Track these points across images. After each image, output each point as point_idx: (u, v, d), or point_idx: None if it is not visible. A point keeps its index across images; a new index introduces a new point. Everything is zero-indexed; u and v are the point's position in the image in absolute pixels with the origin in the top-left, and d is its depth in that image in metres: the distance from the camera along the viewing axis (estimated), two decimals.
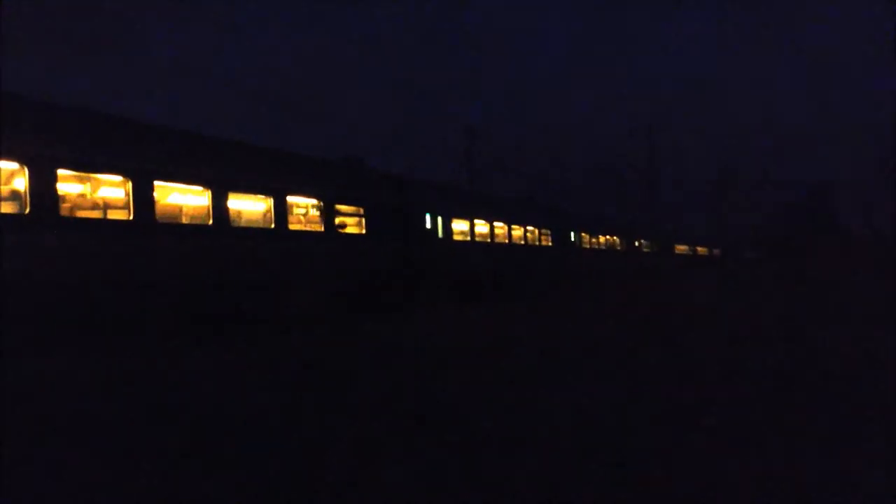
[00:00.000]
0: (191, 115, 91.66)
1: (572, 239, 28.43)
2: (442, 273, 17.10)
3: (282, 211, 12.08)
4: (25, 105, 8.63)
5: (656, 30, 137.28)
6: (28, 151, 8.19)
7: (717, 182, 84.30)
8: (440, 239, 17.71)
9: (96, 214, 9.57)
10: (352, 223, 14.34)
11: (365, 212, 14.54)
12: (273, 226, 11.93)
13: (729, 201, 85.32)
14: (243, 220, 12.05)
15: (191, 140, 11.55)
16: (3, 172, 8.41)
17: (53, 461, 4.32)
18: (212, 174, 10.73)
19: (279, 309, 11.61)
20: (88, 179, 9.46)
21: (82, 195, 9.52)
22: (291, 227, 12.75)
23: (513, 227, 22.68)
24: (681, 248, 55.48)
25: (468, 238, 19.44)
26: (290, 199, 12.60)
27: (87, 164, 9.08)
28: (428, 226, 17.19)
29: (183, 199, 10.81)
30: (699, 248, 65.04)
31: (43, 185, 8.31)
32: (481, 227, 20.25)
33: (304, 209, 13.57)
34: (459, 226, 19.10)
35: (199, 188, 10.67)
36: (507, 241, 22.18)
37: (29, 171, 8.19)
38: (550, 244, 26.16)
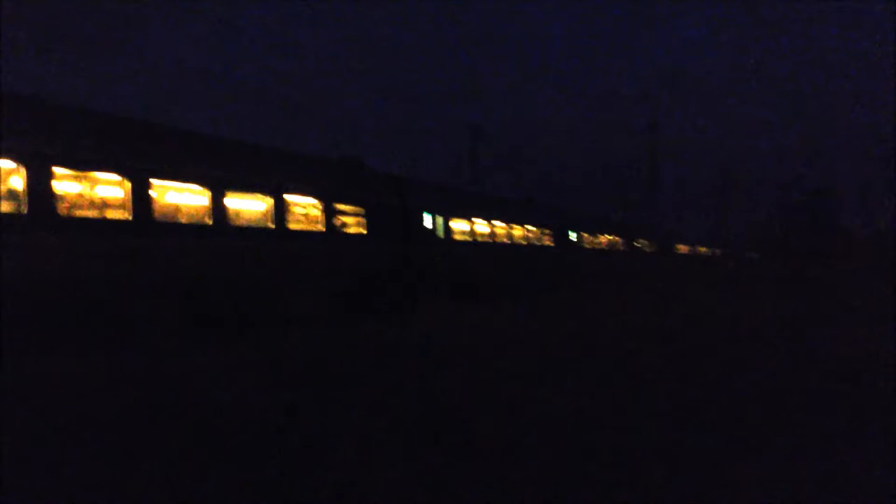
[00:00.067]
0: (190, 114, 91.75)
1: (573, 239, 28.41)
2: (442, 273, 17.09)
3: (281, 210, 12.07)
4: (24, 104, 8.62)
5: (657, 29, 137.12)
6: (26, 150, 8.16)
7: (718, 182, 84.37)
8: (440, 239, 17.69)
9: (94, 213, 9.55)
10: (352, 223, 14.32)
11: (365, 212, 14.52)
12: (272, 225, 11.92)
13: (730, 201, 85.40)
14: (242, 219, 12.03)
15: (190, 139, 11.54)
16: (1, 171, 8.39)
17: (54, 462, 4.31)
18: (211, 173, 10.72)
19: (278, 309, 11.60)
20: (86, 178, 9.44)
21: (80, 194, 9.50)
22: (291, 226, 12.73)
23: (513, 227, 22.66)
24: (682, 249, 55.49)
25: (468, 238, 19.43)
26: (290, 198, 12.58)
27: (86, 163, 9.06)
28: (428, 226, 17.17)
29: (181, 198, 10.79)
30: (700, 248, 65.05)
31: (41, 184, 8.29)
32: (481, 227, 20.24)
33: (303, 209, 13.55)
34: (460, 226, 19.09)
35: (198, 187, 10.65)
36: (507, 241, 22.16)
37: (27, 169, 8.17)
38: (551, 244, 26.15)
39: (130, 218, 9.39)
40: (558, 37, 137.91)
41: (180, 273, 9.94)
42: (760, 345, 9.05)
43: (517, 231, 23.22)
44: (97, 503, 3.73)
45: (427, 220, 17.12)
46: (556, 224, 26.77)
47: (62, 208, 8.85)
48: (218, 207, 10.71)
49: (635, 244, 39.16)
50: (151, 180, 9.68)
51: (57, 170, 8.60)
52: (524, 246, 23.85)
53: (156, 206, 9.84)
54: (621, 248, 36.57)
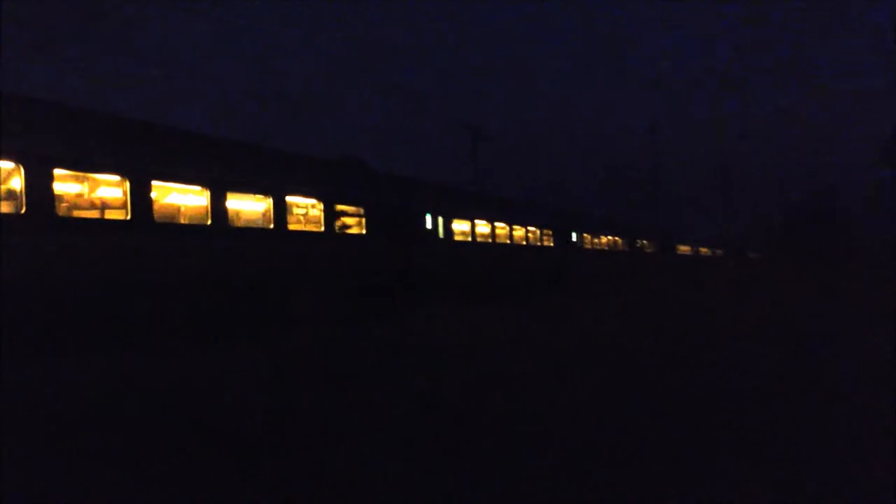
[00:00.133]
0: (189, 114, 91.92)
1: (574, 239, 28.39)
2: (443, 273, 17.05)
3: (281, 211, 12.04)
4: (22, 103, 8.59)
5: (657, 30, 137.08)
6: (24, 149, 8.12)
7: (720, 182, 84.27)
8: (441, 239, 17.67)
9: (93, 214, 9.54)
10: (352, 223, 14.30)
11: (365, 212, 14.50)
12: (272, 226, 11.90)
13: (732, 202, 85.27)
14: (242, 220, 12.02)
15: (190, 139, 11.53)
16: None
17: (54, 463, 4.28)
18: (211, 174, 10.69)
19: (278, 310, 11.56)
20: (86, 179, 9.42)
21: (79, 194, 9.49)
22: (291, 227, 12.71)
23: (514, 227, 22.63)
24: (683, 249, 55.46)
25: (469, 238, 19.40)
26: (290, 198, 12.56)
27: (85, 163, 9.04)
28: (429, 226, 17.15)
29: (181, 198, 10.78)
30: (702, 249, 65.02)
31: (39, 185, 8.26)
32: (482, 227, 20.21)
33: (303, 209, 13.53)
34: (461, 226, 19.06)
35: (198, 188, 10.63)
36: (508, 241, 22.13)
37: (25, 169, 8.13)
38: (552, 244, 26.12)
39: (131, 218, 9.35)
40: (560, 37, 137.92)
41: (175, 274, 9.87)
42: (760, 345, 9.01)
43: (518, 231, 23.19)
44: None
45: (428, 221, 17.09)
46: (557, 224, 26.75)
47: (59, 208, 8.83)
48: (216, 208, 10.67)
49: (637, 245, 39.12)
50: (149, 180, 9.64)
51: (57, 171, 8.57)
52: (526, 246, 23.83)
53: (152, 207, 9.80)
54: (623, 248, 36.53)
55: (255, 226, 12.11)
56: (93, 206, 9.62)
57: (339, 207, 13.80)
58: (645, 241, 41.15)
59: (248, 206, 12.07)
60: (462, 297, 16.42)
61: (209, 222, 10.59)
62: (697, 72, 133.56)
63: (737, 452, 4.28)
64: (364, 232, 14.47)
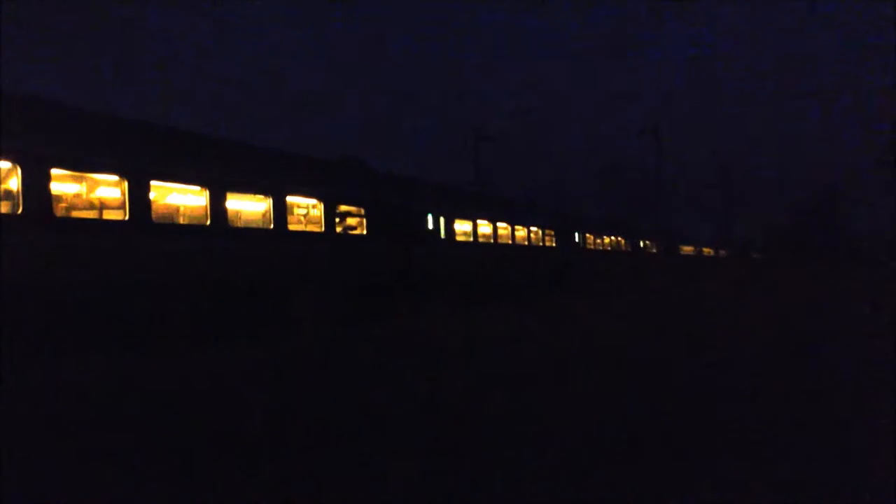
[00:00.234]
0: (189, 114, 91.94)
1: (576, 240, 28.37)
2: (444, 273, 17.02)
3: (281, 211, 12.03)
4: (20, 103, 8.56)
5: (659, 30, 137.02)
6: (21, 149, 8.09)
7: (722, 183, 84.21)
8: (442, 239, 17.65)
9: (91, 214, 9.53)
10: (352, 223, 14.29)
11: (366, 212, 14.48)
12: (272, 226, 11.88)
13: (733, 202, 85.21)
14: (242, 220, 12.01)
15: (189, 139, 11.52)
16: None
17: (54, 463, 4.28)
18: (210, 174, 10.68)
19: (278, 310, 11.54)
20: (84, 179, 9.42)
21: (78, 195, 9.49)
22: (291, 227, 12.70)
23: (516, 227, 22.62)
24: (686, 250, 55.45)
25: (471, 238, 19.39)
26: (290, 199, 12.55)
27: (83, 163, 9.03)
28: (430, 226, 17.13)
29: (180, 199, 10.77)
30: (705, 250, 65.01)
31: (37, 185, 8.24)
32: (484, 227, 20.20)
33: (303, 209, 13.53)
34: (462, 226, 19.05)
35: (197, 188, 10.62)
36: (510, 241, 22.12)
37: (22, 169, 8.10)
38: (554, 245, 26.10)
39: (130, 218, 9.34)
40: (561, 39, 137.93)
41: (173, 275, 9.84)
42: (761, 345, 9.00)
43: (520, 232, 23.17)
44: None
45: (429, 221, 17.08)
46: (558, 225, 26.73)
47: (57, 208, 8.82)
48: (215, 208, 10.65)
49: (639, 245, 39.10)
50: (147, 181, 9.62)
51: (55, 171, 8.56)
52: (527, 247, 23.81)
53: (151, 207, 9.78)
54: (625, 249, 36.51)
55: (254, 226, 12.10)
56: (91, 206, 9.62)
57: (340, 208, 13.79)
58: (647, 242, 41.12)
59: (248, 207, 12.06)
60: (463, 298, 16.41)
61: (208, 223, 10.58)
62: (698, 72, 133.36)
63: (737, 452, 4.28)
64: (364, 232, 14.46)
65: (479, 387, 6.47)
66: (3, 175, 8.29)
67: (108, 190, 9.61)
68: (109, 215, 9.57)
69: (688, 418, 5.16)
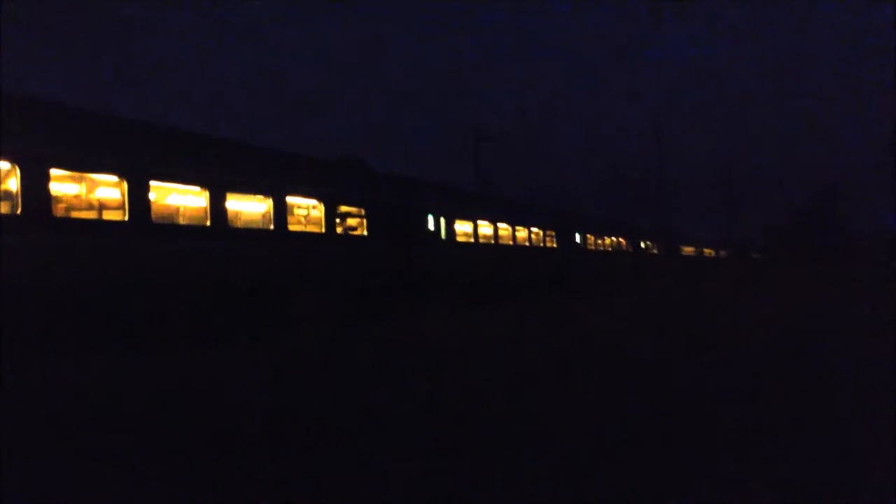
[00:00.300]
0: (189, 114, 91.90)
1: (576, 240, 28.35)
2: (444, 274, 17.01)
3: (281, 211, 12.02)
4: (19, 103, 8.56)
5: (660, 30, 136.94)
6: (21, 149, 8.07)
7: (723, 183, 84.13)
8: (443, 240, 17.64)
9: (91, 215, 9.52)
10: (353, 224, 14.28)
11: (366, 212, 14.47)
12: (272, 227, 11.87)
13: (735, 203, 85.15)
14: (242, 220, 12.00)
15: (189, 139, 11.51)
16: None
17: (54, 463, 4.28)
18: (210, 174, 10.67)
19: (279, 311, 11.54)
20: (83, 179, 9.41)
21: (77, 195, 9.48)
22: (291, 227, 12.69)
23: (516, 228, 22.60)
24: (687, 250, 55.42)
25: (471, 239, 19.38)
26: (290, 199, 12.54)
27: (82, 164, 9.02)
28: (430, 226, 17.12)
29: (180, 199, 10.75)
30: (706, 250, 64.96)
31: (37, 185, 8.23)
32: (484, 228, 20.19)
33: (304, 210, 13.51)
34: (462, 227, 19.03)
35: (197, 188, 10.61)
36: (510, 242, 22.10)
37: (21, 170, 8.08)
38: (554, 246, 26.08)
39: (129, 219, 9.33)
40: (562, 39, 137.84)
41: (173, 275, 9.82)
42: (761, 345, 9.00)
43: (521, 232, 23.16)
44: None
45: (429, 221, 17.07)
46: (559, 225, 26.71)
47: (59, 209, 8.82)
48: (215, 209, 10.63)
49: (640, 246, 39.08)
50: (147, 181, 9.60)
51: (55, 171, 8.55)
52: (528, 247, 23.80)
53: (151, 208, 9.77)
54: (626, 249, 36.49)
55: (254, 227, 12.09)
56: (91, 206, 9.61)
57: (340, 208, 13.78)
58: (648, 243, 41.11)
59: (248, 207, 12.05)
60: (463, 298, 16.41)
61: (208, 223, 10.57)
62: (699, 72, 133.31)
63: (737, 452, 4.27)
64: (365, 233, 14.45)
65: (479, 387, 6.48)
66: (2, 175, 8.27)
67: (107, 190, 9.60)
68: (109, 216, 9.56)
69: (688, 418, 5.16)
